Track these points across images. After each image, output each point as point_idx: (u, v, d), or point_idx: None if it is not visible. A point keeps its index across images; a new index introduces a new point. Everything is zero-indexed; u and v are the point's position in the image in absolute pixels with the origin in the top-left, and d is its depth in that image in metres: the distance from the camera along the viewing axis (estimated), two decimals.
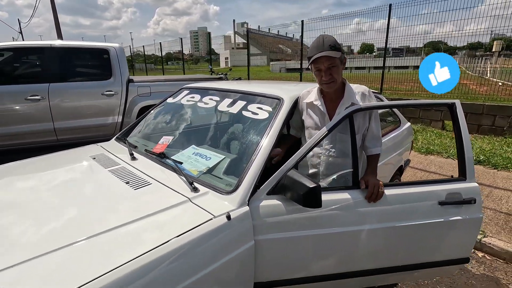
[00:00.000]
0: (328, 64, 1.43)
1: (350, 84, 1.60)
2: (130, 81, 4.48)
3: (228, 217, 1.20)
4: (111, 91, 4.29)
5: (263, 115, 1.65)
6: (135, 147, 1.92)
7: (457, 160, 1.56)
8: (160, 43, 14.86)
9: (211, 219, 1.18)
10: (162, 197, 1.33)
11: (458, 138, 1.55)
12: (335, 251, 1.43)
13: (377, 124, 1.59)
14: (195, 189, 1.35)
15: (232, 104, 1.84)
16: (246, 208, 1.27)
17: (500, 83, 9.37)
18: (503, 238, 2.56)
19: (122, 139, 2.12)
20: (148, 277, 0.96)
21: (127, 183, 1.44)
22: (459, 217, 1.50)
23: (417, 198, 1.47)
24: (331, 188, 1.48)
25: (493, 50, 16.04)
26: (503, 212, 2.95)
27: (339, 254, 1.45)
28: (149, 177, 1.50)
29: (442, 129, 6.23)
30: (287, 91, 1.76)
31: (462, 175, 1.53)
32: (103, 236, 1.07)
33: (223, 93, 2.01)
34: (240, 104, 1.80)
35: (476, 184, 1.52)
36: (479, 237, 2.51)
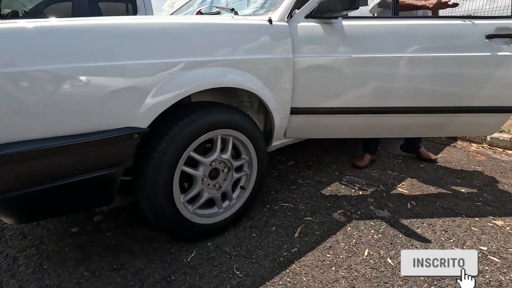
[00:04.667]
0: None
1: None
2: None
3: (270, 21, 1.28)
4: None
5: None
6: None
7: None
8: None
9: (254, 20, 1.27)
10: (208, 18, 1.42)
11: None
12: (371, 80, 1.46)
13: None
14: (235, 13, 1.44)
15: None
16: (285, 24, 1.34)
17: None
18: None
19: None
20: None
21: None
22: (508, 53, 1.44)
23: (462, 29, 1.44)
24: (375, 17, 1.52)
25: None
26: None
27: (376, 84, 1.47)
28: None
29: None
30: None
31: None
32: None
33: None
34: None
35: None
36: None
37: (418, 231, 1.34)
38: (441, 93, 1.51)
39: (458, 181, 1.89)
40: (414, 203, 1.59)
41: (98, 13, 4.41)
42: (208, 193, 1.24)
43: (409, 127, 1.64)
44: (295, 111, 1.47)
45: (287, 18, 1.36)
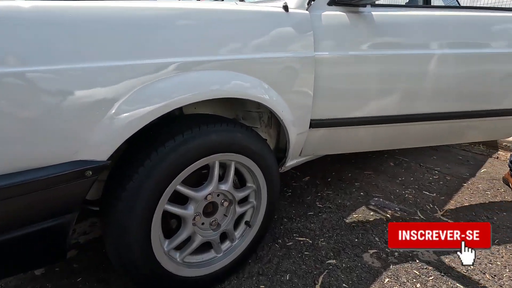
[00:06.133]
0: None
1: None
2: None
3: (285, 7, 0.96)
4: None
5: None
6: None
7: None
8: None
9: (265, 7, 0.96)
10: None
11: None
12: (401, 81, 1.18)
13: None
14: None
15: None
16: (306, 12, 1.03)
17: None
18: None
19: None
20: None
21: None
22: None
23: (499, 22, 1.23)
24: (408, 6, 1.20)
25: None
26: None
27: (405, 86, 1.20)
28: None
29: None
30: None
31: None
32: None
33: None
34: None
35: None
36: None
37: (481, 286, 1.02)
38: (473, 95, 1.29)
39: None
40: None
41: None
42: (202, 236, 0.94)
43: (434, 133, 1.34)
44: (316, 123, 1.15)
45: (307, 4, 1.05)
